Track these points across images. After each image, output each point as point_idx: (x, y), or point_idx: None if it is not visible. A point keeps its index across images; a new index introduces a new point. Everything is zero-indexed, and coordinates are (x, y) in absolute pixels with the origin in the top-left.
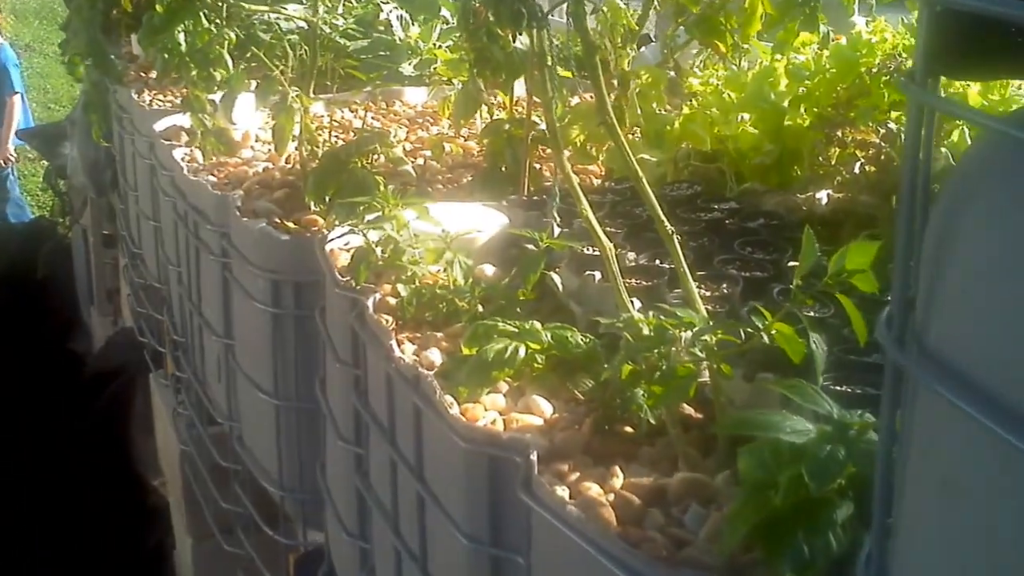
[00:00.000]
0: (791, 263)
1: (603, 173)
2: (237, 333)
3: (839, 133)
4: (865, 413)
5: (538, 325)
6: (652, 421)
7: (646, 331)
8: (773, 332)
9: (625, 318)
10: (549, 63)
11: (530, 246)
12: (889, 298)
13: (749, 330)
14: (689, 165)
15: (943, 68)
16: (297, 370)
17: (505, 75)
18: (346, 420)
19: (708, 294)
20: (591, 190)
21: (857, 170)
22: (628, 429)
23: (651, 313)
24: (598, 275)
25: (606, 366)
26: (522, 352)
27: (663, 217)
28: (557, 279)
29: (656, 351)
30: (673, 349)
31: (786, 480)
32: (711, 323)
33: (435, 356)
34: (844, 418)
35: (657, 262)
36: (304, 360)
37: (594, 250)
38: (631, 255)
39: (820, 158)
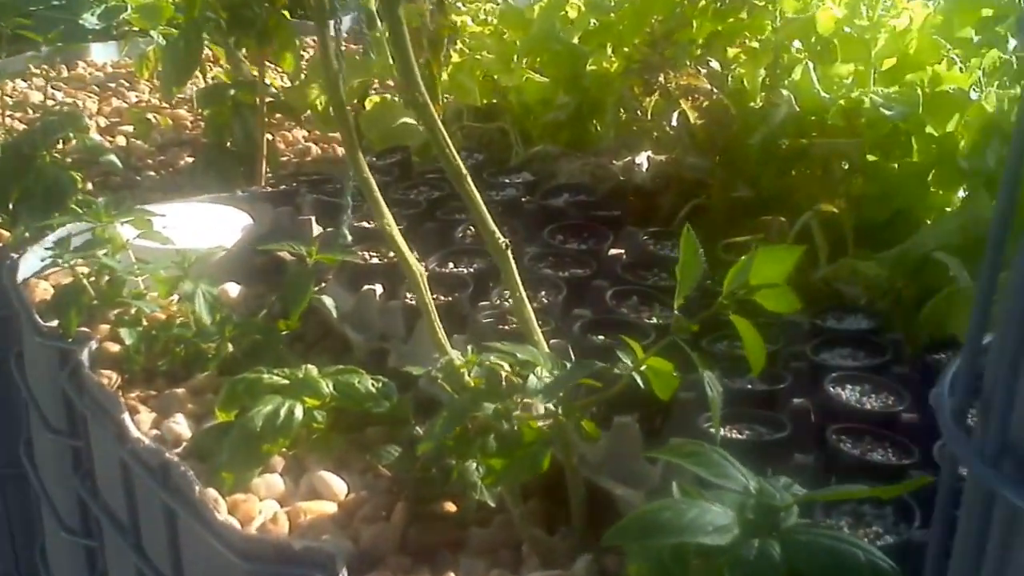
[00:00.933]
0: (613, 250)
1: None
2: None
3: (661, 79)
4: (792, 485)
5: (314, 371)
6: (491, 503)
7: (469, 378)
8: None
9: (444, 363)
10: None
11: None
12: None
13: (616, 370)
14: (462, 127)
15: None
16: None
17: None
18: (68, 503)
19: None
20: (344, 167)
21: (675, 122)
22: (450, 506)
23: (469, 348)
24: (379, 289)
25: (417, 429)
26: (299, 413)
27: (495, 228)
28: (329, 303)
29: (493, 408)
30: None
31: None
32: (567, 366)
33: (181, 425)
34: (770, 497)
35: (452, 266)
36: (2, 414)
37: (371, 257)
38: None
39: (637, 111)
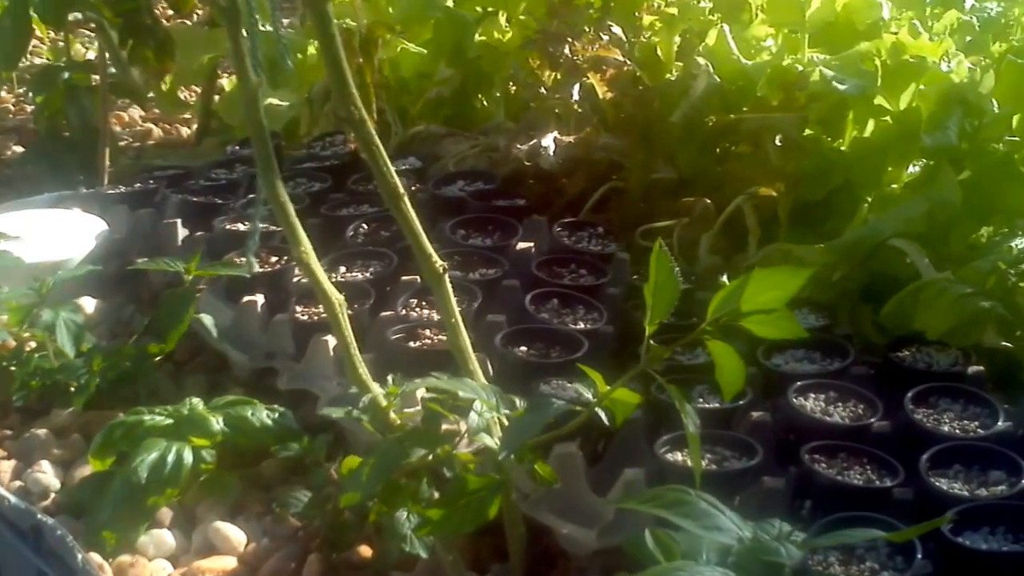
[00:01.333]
0: (522, 244)
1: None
2: None
3: (566, 50)
4: (791, 532)
5: (199, 405)
6: (424, 555)
7: (395, 416)
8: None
9: (368, 402)
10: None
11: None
12: None
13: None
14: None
15: None
16: None
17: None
18: None
19: (436, 316)
20: (199, 155)
21: (577, 95)
22: (365, 551)
23: (390, 379)
24: (260, 301)
25: (333, 471)
26: (188, 458)
27: (431, 251)
28: (208, 321)
29: (430, 453)
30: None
31: None
32: (515, 402)
33: (47, 474)
34: (771, 552)
35: (344, 271)
36: None
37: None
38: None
39: (540, 87)
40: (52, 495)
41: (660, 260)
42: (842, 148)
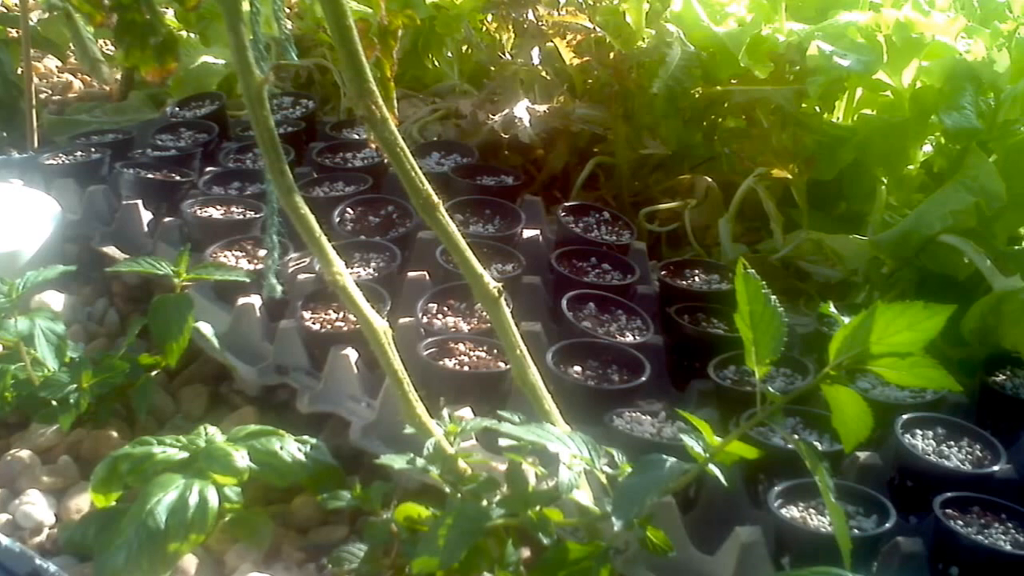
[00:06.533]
0: (527, 231)
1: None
2: None
3: (530, 15)
4: None
5: (218, 436)
6: None
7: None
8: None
9: (433, 449)
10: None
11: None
12: None
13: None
14: (275, 66)
15: None
16: None
17: (167, 55)
18: None
19: (466, 326)
20: (126, 109)
21: (537, 59)
22: None
23: (446, 416)
24: (257, 303)
25: (388, 517)
26: (213, 499)
27: (482, 271)
28: (208, 331)
29: (526, 515)
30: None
31: None
32: (614, 455)
33: (38, 506)
34: None
35: (349, 269)
36: None
37: (238, 257)
38: (294, 255)
39: (500, 52)
40: (46, 530)
41: (751, 287)
42: (846, 124)
